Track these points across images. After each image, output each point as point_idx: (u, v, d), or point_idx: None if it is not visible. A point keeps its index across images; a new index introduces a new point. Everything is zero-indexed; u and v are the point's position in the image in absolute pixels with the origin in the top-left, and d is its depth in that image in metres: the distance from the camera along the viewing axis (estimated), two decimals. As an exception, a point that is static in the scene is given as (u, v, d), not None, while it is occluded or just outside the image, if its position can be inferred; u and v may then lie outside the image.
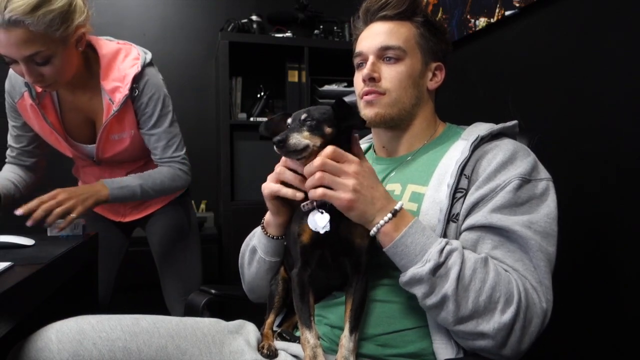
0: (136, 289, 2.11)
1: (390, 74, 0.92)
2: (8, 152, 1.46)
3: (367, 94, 0.93)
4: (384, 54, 0.93)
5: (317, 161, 0.74)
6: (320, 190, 0.74)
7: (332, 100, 2.48)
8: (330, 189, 0.74)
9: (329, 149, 0.75)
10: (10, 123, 1.42)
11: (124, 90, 1.31)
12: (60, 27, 1.14)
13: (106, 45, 1.35)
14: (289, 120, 0.79)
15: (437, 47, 0.97)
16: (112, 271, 1.61)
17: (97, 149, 1.40)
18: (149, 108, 1.37)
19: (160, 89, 1.39)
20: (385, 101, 0.92)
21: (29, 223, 1.16)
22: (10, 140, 1.45)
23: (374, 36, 0.94)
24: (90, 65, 1.35)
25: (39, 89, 1.30)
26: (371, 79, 0.92)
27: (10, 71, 1.33)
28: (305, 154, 0.75)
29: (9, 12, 1.06)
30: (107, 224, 1.60)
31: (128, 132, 1.39)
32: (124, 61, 1.35)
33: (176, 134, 1.45)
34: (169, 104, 1.42)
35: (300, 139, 0.74)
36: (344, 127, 0.78)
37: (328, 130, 0.76)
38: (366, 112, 0.94)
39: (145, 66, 1.36)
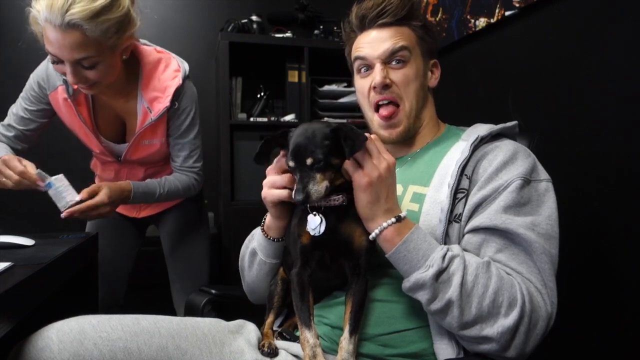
0: (142, 289, 2.10)
1: (399, 78, 0.93)
2: (2, 130, 1.39)
3: (380, 101, 0.94)
4: (390, 59, 0.93)
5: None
6: (348, 162, 0.75)
7: (332, 101, 2.51)
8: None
9: (374, 137, 0.76)
10: (24, 105, 1.38)
11: (165, 101, 1.34)
12: (113, 35, 1.17)
13: (148, 53, 1.38)
14: (291, 164, 0.75)
15: (432, 45, 1.00)
16: (126, 268, 1.61)
17: (126, 151, 1.43)
18: (181, 119, 1.41)
19: (194, 102, 1.44)
20: (401, 115, 0.94)
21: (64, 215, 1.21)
22: (12, 120, 1.39)
23: (375, 43, 0.94)
24: (130, 69, 1.36)
25: (76, 86, 1.31)
26: (385, 86, 0.92)
27: (47, 64, 1.34)
28: (327, 192, 0.74)
29: (69, 15, 1.07)
30: (121, 220, 1.60)
31: (159, 139, 1.42)
32: (165, 72, 1.38)
33: (198, 146, 1.48)
34: (198, 116, 1.46)
35: (319, 188, 0.72)
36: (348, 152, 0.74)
37: (336, 161, 0.75)
38: (386, 134, 0.95)
39: (184, 79, 1.39)
